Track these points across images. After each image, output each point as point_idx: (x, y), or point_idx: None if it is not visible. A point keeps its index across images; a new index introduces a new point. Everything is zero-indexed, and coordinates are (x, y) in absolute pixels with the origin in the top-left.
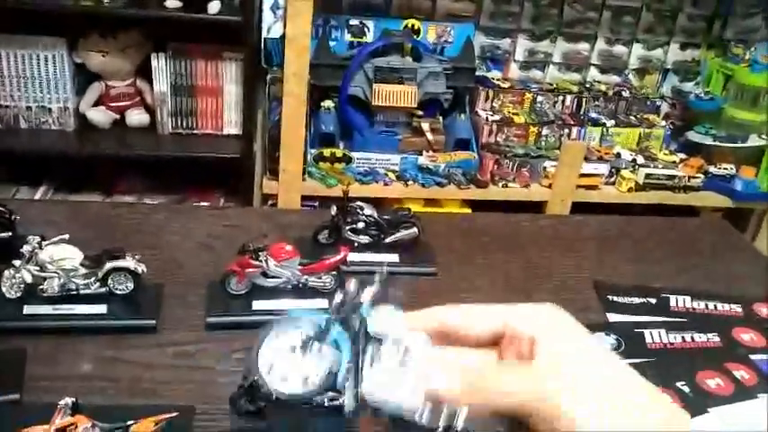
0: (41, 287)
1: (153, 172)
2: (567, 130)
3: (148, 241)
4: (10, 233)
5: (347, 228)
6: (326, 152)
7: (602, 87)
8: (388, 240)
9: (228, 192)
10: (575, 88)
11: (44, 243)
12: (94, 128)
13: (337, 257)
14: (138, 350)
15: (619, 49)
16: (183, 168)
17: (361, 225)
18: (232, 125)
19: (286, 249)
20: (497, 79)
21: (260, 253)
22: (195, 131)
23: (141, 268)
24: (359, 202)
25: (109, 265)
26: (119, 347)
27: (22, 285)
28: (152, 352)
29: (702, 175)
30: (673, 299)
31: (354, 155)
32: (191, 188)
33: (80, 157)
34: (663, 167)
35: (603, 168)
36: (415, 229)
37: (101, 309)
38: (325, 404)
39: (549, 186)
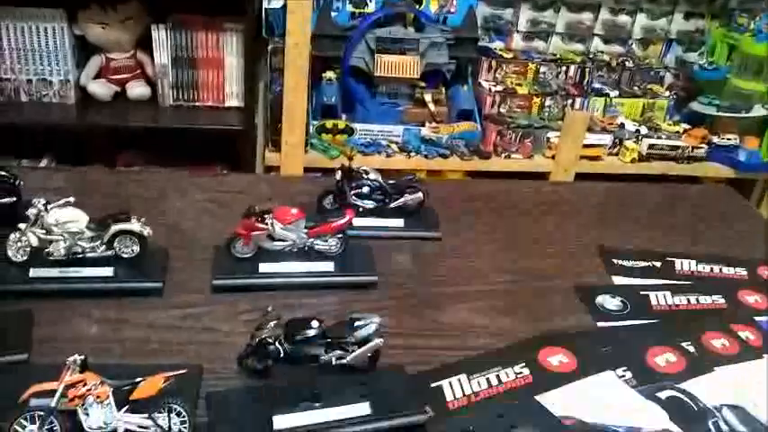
0: (47, 250)
1: (154, 145)
2: (570, 101)
3: (152, 207)
4: (15, 198)
5: (352, 193)
6: (329, 124)
7: (606, 57)
8: (393, 205)
9: (230, 164)
10: (578, 58)
11: (50, 206)
12: (95, 101)
13: (343, 220)
14: (144, 312)
15: (622, 18)
16: (185, 141)
17: (366, 190)
18: (233, 97)
19: (291, 212)
20: (500, 50)
21: (266, 216)
22: (197, 104)
23: (147, 231)
24: (364, 167)
25: (115, 228)
26: (125, 310)
27: (28, 249)
28: (159, 314)
29: (706, 146)
30: (678, 262)
31: (357, 126)
32: (192, 161)
33: (81, 130)
34: (666, 138)
35: (607, 139)
36: (420, 194)
37: (107, 272)
38: (333, 363)
39: (553, 157)
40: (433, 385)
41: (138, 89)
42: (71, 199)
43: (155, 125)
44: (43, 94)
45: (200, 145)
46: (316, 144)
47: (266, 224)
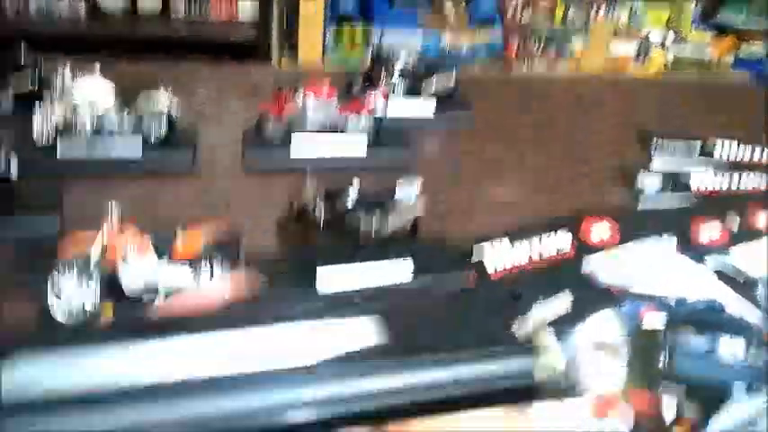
0: (74, 128)
1: (166, 59)
2: (595, 8)
3: (175, 92)
4: (37, 87)
5: (382, 77)
6: (346, 33)
7: None
8: (425, 87)
9: None
10: None
11: (75, 78)
12: (106, 14)
13: (375, 97)
14: (176, 190)
15: None
16: (197, 55)
17: (396, 74)
18: (247, 10)
19: (323, 89)
20: None
21: (297, 91)
22: (209, 17)
23: (174, 105)
24: (394, 51)
25: (143, 105)
26: (155, 189)
27: (54, 129)
28: (189, 193)
29: (732, 57)
30: (718, 145)
31: (375, 33)
32: None
33: (92, 45)
34: (692, 48)
35: (632, 49)
36: (452, 73)
37: (136, 151)
38: (373, 231)
39: (576, 67)
40: (475, 255)
41: (149, 2)
42: (96, 65)
43: (166, 37)
44: (53, 9)
45: (212, 60)
46: (333, 57)
47: (299, 100)
